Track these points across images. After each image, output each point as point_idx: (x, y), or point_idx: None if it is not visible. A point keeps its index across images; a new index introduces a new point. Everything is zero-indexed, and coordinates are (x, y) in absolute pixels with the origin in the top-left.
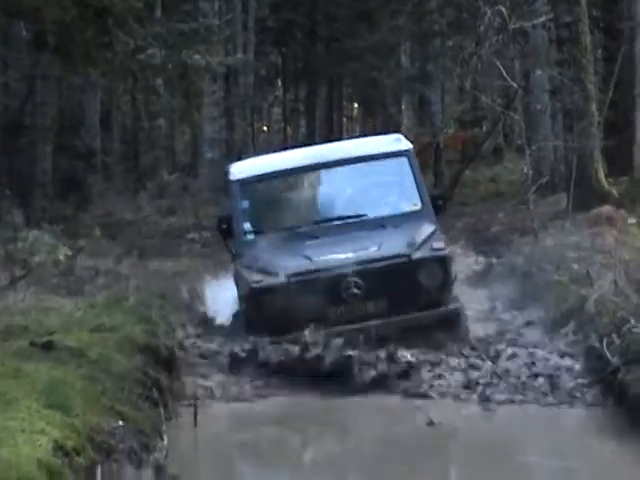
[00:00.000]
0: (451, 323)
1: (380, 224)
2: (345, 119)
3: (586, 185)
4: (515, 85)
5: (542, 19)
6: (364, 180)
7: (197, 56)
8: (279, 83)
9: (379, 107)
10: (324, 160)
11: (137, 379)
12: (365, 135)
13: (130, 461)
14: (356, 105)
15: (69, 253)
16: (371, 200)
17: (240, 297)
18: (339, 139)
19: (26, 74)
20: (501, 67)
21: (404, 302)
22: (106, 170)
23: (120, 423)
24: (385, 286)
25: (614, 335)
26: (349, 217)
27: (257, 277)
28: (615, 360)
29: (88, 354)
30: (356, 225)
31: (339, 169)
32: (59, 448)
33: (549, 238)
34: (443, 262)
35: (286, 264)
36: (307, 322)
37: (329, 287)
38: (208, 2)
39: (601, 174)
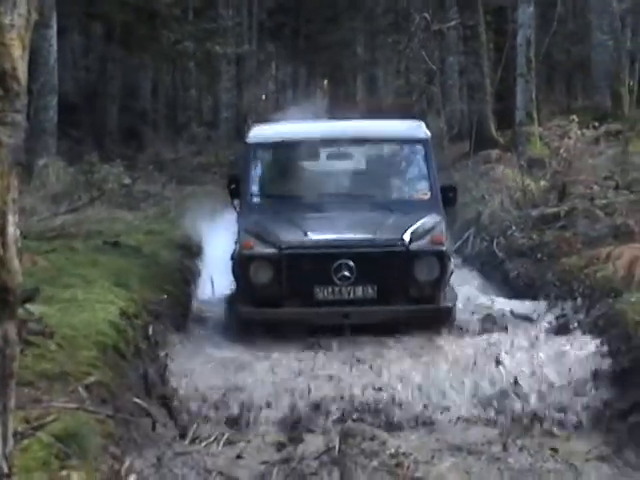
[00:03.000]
0: (440, 321)
1: (386, 208)
2: (318, 89)
3: (482, 135)
4: (434, 68)
5: (453, 23)
6: (379, 162)
7: (217, 47)
8: (273, 66)
9: (342, 82)
10: (341, 136)
11: (176, 267)
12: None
13: (172, 323)
14: (326, 81)
15: (129, 181)
16: (382, 182)
17: (233, 259)
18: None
19: (100, 57)
20: (425, 55)
21: (394, 292)
22: (155, 124)
23: (165, 297)
24: (377, 273)
25: (501, 237)
26: (357, 196)
27: (250, 242)
28: (501, 254)
29: (143, 250)
30: (362, 205)
31: (355, 147)
32: (123, 313)
33: (457, 172)
34: (441, 257)
35: (281, 235)
36: (293, 298)
37: (320, 266)
38: (225, 9)
39: (492, 128)
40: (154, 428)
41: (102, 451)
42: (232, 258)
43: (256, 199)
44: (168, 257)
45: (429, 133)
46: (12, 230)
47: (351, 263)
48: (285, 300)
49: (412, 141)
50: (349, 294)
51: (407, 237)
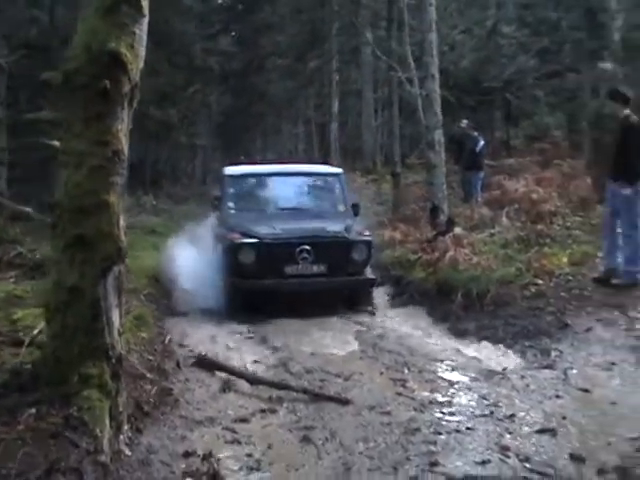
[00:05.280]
0: (367, 286)
1: (319, 216)
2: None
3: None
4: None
5: (301, 129)
6: (310, 187)
7: (187, 138)
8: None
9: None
10: (284, 171)
11: (177, 241)
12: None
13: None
14: (242, 157)
15: (155, 203)
16: (314, 200)
17: (223, 249)
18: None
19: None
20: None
21: (339, 268)
22: (166, 177)
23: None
24: (327, 255)
25: None
26: (297, 208)
27: (236, 235)
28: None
29: (163, 233)
30: (304, 214)
31: (294, 178)
32: (158, 261)
33: None
34: (369, 244)
35: (259, 230)
36: (268, 273)
37: (288, 250)
38: (202, 125)
39: None
40: (173, 313)
41: (154, 323)
42: (223, 248)
43: (232, 211)
44: (174, 236)
45: (341, 170)
46: (122, 222)
47: (309, 248)
48: (263, 274)
49: (333, 174)
50: (308, 270)
51: (345, 230)
